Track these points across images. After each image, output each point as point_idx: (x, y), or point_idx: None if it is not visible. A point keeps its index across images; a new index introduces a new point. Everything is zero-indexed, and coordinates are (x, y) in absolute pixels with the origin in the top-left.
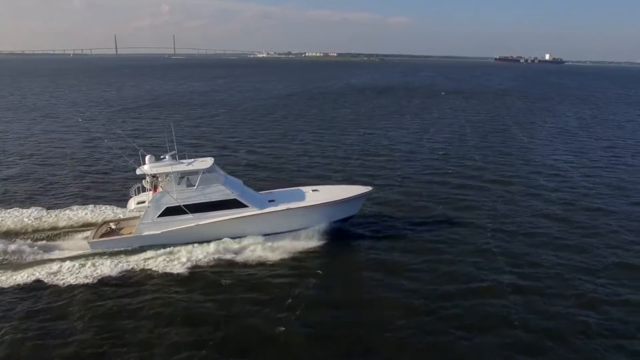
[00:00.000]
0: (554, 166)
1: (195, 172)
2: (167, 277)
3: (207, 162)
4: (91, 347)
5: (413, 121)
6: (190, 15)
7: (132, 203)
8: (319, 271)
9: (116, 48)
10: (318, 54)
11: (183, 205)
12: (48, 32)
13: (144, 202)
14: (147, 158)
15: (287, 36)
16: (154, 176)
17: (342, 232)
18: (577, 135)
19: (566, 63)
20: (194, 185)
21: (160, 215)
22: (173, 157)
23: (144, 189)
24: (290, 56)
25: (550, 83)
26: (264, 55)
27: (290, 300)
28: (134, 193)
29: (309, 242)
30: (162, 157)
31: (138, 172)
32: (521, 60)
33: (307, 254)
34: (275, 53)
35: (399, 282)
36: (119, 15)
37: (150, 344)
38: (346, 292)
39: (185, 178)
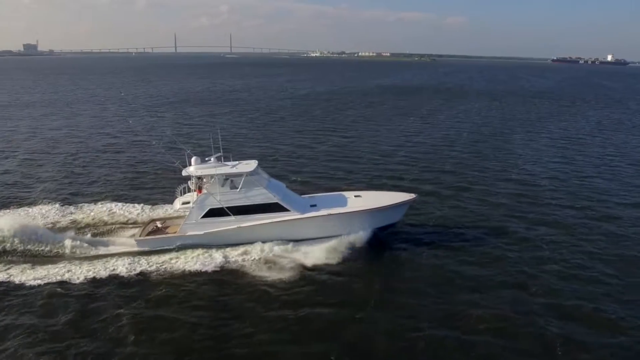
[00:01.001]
0: (531, 173)
1: (238, 175)
2: (205, 277)
3: (250, 165)
4: (127, 342)
5: (413, 123)
6: (247, 15)
7: (177, 203)
8: (356, 279)
9: (175, 46)
10: (371, 54)
11: (226, 207)
12: (115, 31)
13: (188, 202)
14: (193, 160)
15: (342, 35)
16: (199, 178)
17: (383, 239)
18: (582, 142)
19: (631, 64)
20: (237, 188)
21: (204, 216)
22: (218, 159)
23: (189, 190)
24: (343, 56)
25: (596, 85)
26: (317, 54)
27: (320, 307)
28: (179, 193)
29: (349, 248)
30: (207, 158)
31: (184, 173)
32: (581, 62)
33: (346, 260)
34: (328, 52)
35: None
36: (179, 15)
37: (185, 341)
38: (379, 302)
39: (229, 180)
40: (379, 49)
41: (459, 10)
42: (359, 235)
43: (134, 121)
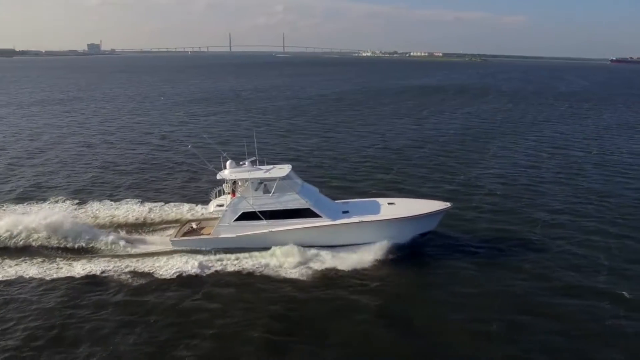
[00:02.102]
0: (479, 176)
1: (271, 180)
2: (235, 280)
3: (284, 169)
4: (160, 340)
5: (402, 125)
6: (302, 15)
7: (211, 206)
8: (384, 287)
9: (230, 46)
10: (423, 54)
11: (258, 211)
12: (173, 31)
13: (222, 205)
14: (228, 163)
15: (396, 35)
16: (233, 181)
17: (416, 247)
18: (567, 146)
19: None
20: (270, 192)
21: (237, 220)
22: (253, 163)
23: (224, 193)
24: (394, 56)
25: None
26: (369, 54)
27: (350, 313)
28: (214, 196)
29: (379, 256)
30: (241, 162)
31: (218, 176)
32: None
33: (375, 268)
34: (380, 52)
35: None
36: (236, 15)
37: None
38: (409, 312)
39: (263, 184)
40: (433, 49)
41: (520, 9)
42: (390, 244)
43: (172, 122)
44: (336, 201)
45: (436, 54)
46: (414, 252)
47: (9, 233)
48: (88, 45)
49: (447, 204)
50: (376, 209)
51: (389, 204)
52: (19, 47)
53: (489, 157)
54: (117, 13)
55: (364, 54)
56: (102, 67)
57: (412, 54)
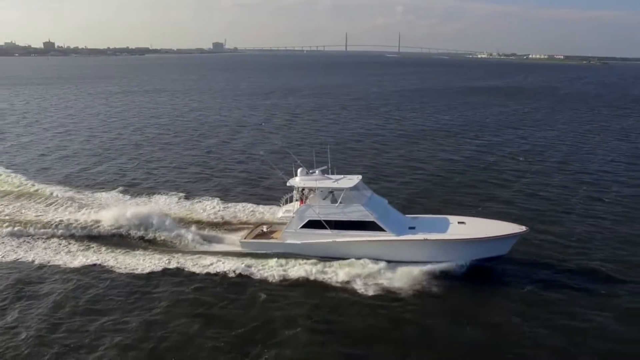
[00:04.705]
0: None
1: (339, 190)
2: (282, 285)
3: (352, 180)
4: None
5: (403, 122)
6: (421, 15)
7: (280, 211)
8: (440, 312)
9: (346, 45)
10: (542, 56)
11: (324, 220)
12: (295, 30)
13: (291, 211)
14: (299, 171)
15: (519, 36)
16: (302, 189)
17: (483, 272)
18: (558, 149)
19: None
20: (337, 202)
21: (303, 227)
22: (323, 172)
23: (294, 199)
24: (511, 57)
25: None
26: (484, 55)
27: (387, 333)
28: (284, 202)
29: (440, 277)
30: (311, 171)
31: (288, 184)
32: None
33: (438, 289)
34: (497, 54)
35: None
36: (357, 15)
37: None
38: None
39: (331, 194)
40: (557, 51)
41: None
42: (455, 265)
43: (253, 125)
44: (406, 215)
45: (557, 56)
46: (477, 276)
47: (110, 223)
48: (213, 44)
49: (523, 228)
50: (444, 227)
51: (459, 222)
52: (154, 46)
53: (455, 154)
54: (245, 13)
55: (480, 56)
56: (204, 64)
57: (530, 56)
